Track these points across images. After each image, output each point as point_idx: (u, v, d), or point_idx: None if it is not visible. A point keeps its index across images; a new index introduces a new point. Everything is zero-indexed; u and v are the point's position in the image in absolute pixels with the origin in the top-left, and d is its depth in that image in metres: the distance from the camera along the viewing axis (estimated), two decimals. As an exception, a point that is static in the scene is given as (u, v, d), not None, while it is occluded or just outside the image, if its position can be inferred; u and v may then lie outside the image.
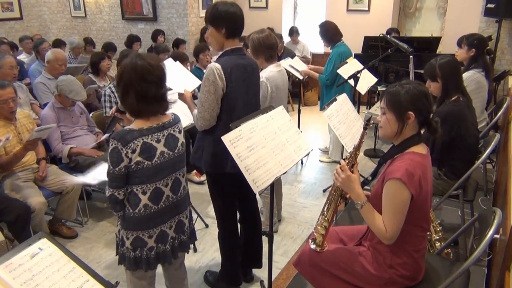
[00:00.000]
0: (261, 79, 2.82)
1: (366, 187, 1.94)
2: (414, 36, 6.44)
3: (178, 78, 2.62)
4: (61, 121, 3.48)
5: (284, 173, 1.98)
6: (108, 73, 4.79)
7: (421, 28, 6.62)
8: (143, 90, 1.76)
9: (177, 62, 2.82)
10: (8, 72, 3.76)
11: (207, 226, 3.39)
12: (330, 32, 4.17)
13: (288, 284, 2.70)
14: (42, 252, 1.25)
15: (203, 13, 6.85)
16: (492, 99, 4.90)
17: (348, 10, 6.63)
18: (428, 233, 2.22)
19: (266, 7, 7.39)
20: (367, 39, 5.49)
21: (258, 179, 1.84)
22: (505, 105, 3.73)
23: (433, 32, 6.29)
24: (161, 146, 1.84)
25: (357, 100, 4.56)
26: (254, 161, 1.86)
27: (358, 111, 3.67)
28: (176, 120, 1.96)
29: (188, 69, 4.49)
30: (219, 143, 1.86)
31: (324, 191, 4.01)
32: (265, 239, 2.26)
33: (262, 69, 2.96)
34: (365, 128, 1.84)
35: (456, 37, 3.77)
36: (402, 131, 1.78)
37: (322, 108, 3.71)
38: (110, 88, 3.85)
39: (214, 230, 3.26)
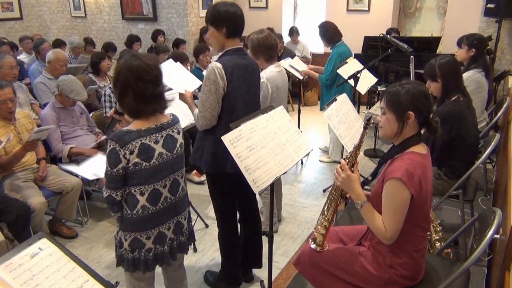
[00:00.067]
0: (261, 80, 2.82)
1: (366, 187, 1.94)
2: (414, 36, 6.44)
3: (179, 79, 2.62)
4: (61, 121, 3.49)
5: (284, 173, 1.98)
6: (108, 73, 4.79)
7: (421, 28, 6.62)
8: (141, 90, 1.75)
9: (178, 63, 2.82)
10: (8, 72, 3.76)
11: (207, 226, 3.39)
12: (329, 33, 4.17)
13: (288, 284, 2.70)
14: (42, 252, 1.25)
15: (203, 13, 6.86)
16: (492, 99, 4.90)
17: (348, 10, 6.63)
18: (428, 233, 2.23)
19: (266, 7, 7.39)
20: (367, 39, 5.49)
21: (258, 179, 1.84)
22: (505, 105, 3.73)
23: (433, 32, 6.29)
24: (159, 147, 1.83)
25: (357, 100, 4.56)
26: (254, 161, 1.86)
27: (358, 111, 3.67)
28: (175, 120, 1.95)
29: (188, 69, 4.49)
30: (220, 143, 1.86)
31: (324, 191, 4.01)
32: (265, 239, 2.26)
33: (262, 70, 2.96)
34: (365, 128, 1.84)
35: (456, 37, 3.77)
36: (402, 131, 1.78)
37: (322, 108, 3.71)
38: (110, 88, 3.85)
39: (214, 230, 3.26)
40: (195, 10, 6.91)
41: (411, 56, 3.56)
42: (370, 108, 5.58)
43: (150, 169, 1.80)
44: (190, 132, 3.90)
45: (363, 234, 2.01)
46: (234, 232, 2.57)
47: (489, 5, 4.90)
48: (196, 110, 2.30)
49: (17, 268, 1.18)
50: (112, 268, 2.86)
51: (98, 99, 4.51)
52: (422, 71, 2.93)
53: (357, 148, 1.86)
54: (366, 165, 4.58)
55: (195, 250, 3.08)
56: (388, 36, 4.29)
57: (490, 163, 4.15)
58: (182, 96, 2.46)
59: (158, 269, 2.05)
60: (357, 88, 3.75)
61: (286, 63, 4.26)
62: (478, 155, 2.85)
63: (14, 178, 3.04)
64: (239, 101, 2.26)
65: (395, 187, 1.68)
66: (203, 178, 4.09)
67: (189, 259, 2.95)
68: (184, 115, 2.83)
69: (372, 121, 1.86)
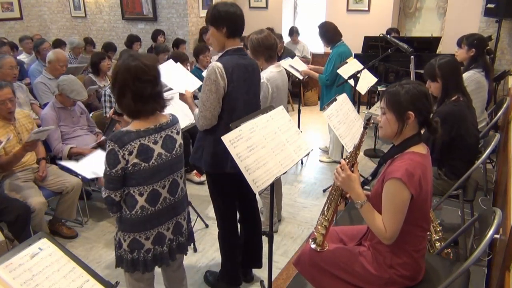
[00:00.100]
0: (261, 80, 2.82)
1: (366, 187, 1.94)
2: (414, 36, 6.44)
3: (179, 79, 2.62)
4: (62, 121, 3.49)
5: (284, 173, 1.98)
6: (108, 73, 4.79)
7: (421, 28, 6.62)
8: (139, 90, 1.75)
9: (178, 63, 2.82)
10: (8, 72, 3.76)
11: (207, 226, 3.39)
12: (329, 33, 4.17)
13: (288, 284, 2.70)
14: (42, 252, 1.25)
15: (203, 13, 6.86)
16: (492, 99, 4.90)
17: (348, 10, 6.63)
18: (428, 233, 2.23)
19: (266, 7, 7.39)
20: (367, 39, 5.49)
21: (258, 179, 1.84)
22: (505, 105, 3.73)
23: (433, 32, 6.29)
24: (158, 148, 1.82)
25: (357, 100, 4.57)
26: (254, 161, 1.86)
27: (358, 111, 3.67)
28: (174, 121, 1.95)
29: (188, 69, 4.49)
30: (220, 142, 1.86)
31: (324, 191, 4.01)
32: (265, 239, 2.26)
33: (262, 70, 2.96)
34: (365, 128, 1.84)
35: (456, 37, 3.77)
36: (402, 131, 1.78)
37: (322, 108, 3.71)
38: (110, 88, 3.85)
39: (214, 230, 3.26)
40: (195, 10, 6.92)
41: (411, 56, 3.56)
42: (370, 108, 5.58)
43: (149, 170, 1.80)
44: (190, 132, 3.90)
45: (363, 234, 2.01)
46: (234, 232, 2.57)
47: (489, 5, 4.90)
48: (197, 110, 2.30)
49: (17, 268, 1.18)
50: (112, 268, 2.86)
51: (98, 99, 4.51)
52: (422, 71, 2.93)
53: (357, 148, 1.86)
54: (366, 165, 4.58)
55: (195, 250, 3.08)
56: (388, 36, 4.29)
57: (490, 163, 4.15)
58: (182, 96, 2.46)
59: (158, 269, 2.05)
60: (357, 88, 3.75)
61: (286, 63, 4.26)
62: (478, 155, 2.85)
63: (14, 178, 3.04)
64: (240, 101, 2.26)
65: (395, 187, 1.68)
66: (203, 178, 4.09)
67: (189, 259, 2.95)
68: (184, 115, 2.83)
69: (372, 121, 1.86)
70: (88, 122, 3.76)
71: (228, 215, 2.51)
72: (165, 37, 6.82)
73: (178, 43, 6.20)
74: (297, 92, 6.22)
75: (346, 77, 3.61)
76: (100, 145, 3.62)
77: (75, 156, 3.43)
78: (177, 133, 1.95)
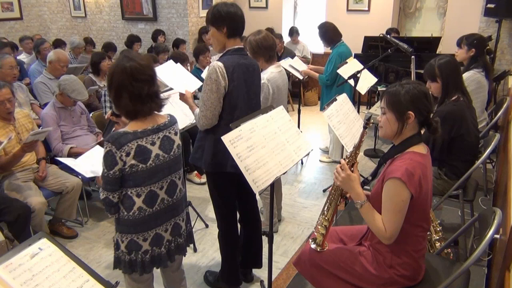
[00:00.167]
0: (262, 81, 2.82)
1: (366, 186, 1.94)
2: (414, 36, 6.44)
3: (179, 79, 2.62)
4: (62, 120, 3.49)
5: (284, 173, 1.98)
6: (108, 73, 4.79)
7: (421, 28, 6.62)
8: (137, 90, 1.74)
9: (178, 64, 2.82)
10: (8, 72, 3.75)
11: (207, 226, 3.39)
12: (329, 33, 4.17)
13: (288, 284, 2.70)
14: (42, 252, 1.25)
15: (203, 13, 6.86)
16: (492, 99, 4.91)
17: (348, 10, 6.63)
18: (428, 233, 2.23)
19: (266, 7, 7.39)
20: (367, 39, 5.49)
21: (258, 179, 1.84)
22: (505, 105, 3.74)
23: (433, 32, 6.29)
24: (156, 149, 1.82)
25: (357, 100, 4.56)
26: (254, 161, 1.86)
27: (358, 111, 3.67)
28: (172, 121, 1.93)
29: (188, 69, 4.49)
30: (220, 142, 1.86)
31: (324, 191, 4.01)
32: (265, 239, 2.26)
33: (262, 71, 2.96)
34: (365, 127, 1.84)
35: (456, 37, 3.77)
36: (402, 131, 1.78)
37: (322, 108, 3.71)
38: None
39: (214, 230, 3.26)
40: (195, 10, 6.92)
41: (412, 56, 3.56)
42: (370, 108, 5.58)
43: (147, 171, 1.79)
44: (190, 132, 3.90)
45: (363, 234, 2.01)
46: (234, 232, 2.57)
47: (489, 5, 4.90)
48: (197, 110, 2.30)
49: (17, 268, 1.18)
50: (112, 268, 2.86)
51: (98, 99, 4.51)
52: (422, 71, 2.93)
53: (357, 148, 1.86)
54: (366, 165, 4.58)
55: (195, 250, 3.08)
56: (388, 36, 4.29)
57: (490, 163, 4.15)
58: (182, 96, 2.46)
59: (157, 270, 2.05)
60: (357, 88, 3.75)
61: (286, 63, 4.26)
62: (478, 155, 2.85)
63: (14, 178, 3.04)
64: (240, 100, 2.26)
65: (395, 187, 1.68)
66: (204, 179, 4.08)
67: (189, 259, 2.96)
68: (184, 115, 2.83)
69: (372, 120, 1.86)
70: (88, 122, 3.76)
71: (228, 215, 2.51)
72: (165, 37, 6.83)
73: (178, 43, 6.21)
74: (297, 92, 6.22)
75: (346, 77, 3.61)
76: (100, 145, 3.62)
77: (75, 156, 3.43)
78: (175, 134, 1.93)
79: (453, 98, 2.73)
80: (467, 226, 2.19)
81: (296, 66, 4.39)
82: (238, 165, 1.82)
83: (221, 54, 2.31)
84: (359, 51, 5.49)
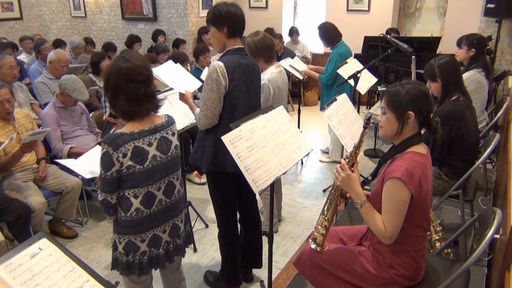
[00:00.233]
0: (262, 82, 2.81)
1: (366, 186, 1.94)
2: (414, 36, 6.44)
3: (179, 79, 2.62)
4: (62, 120, 3.49)
5: (284, 173, 1.98)
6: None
7: (421, 28, 6.62)
8: (133, 91, 1.73)
9: (178, 64, 2.82)
10: (8, 72, 3.75)
11: (207, 226, 3.39)
12: (329, 33, 4.17)
13: (288, 284, 2.70)
14: (42, 252, 1.25)
15: (203, 13, 6.86)
16: (492, 99, 4.91)
17: (348, 10, 6.64)
18: (428, 233, 2.23)
19: (266, 7, 7.40)
20: (367, 39, 5.49)
21: (258, 179, 1.84)
22: (505, 105, 3.74)
23: (433, 32, 6.29)
24: (153, 150, 1.80)
25: (357, 100, 4.56)
26: (254, 161, 1.86)
27: (358, 111, 3.67)
28: (169, 122, 1.92)
29: (188, 69, 4.49)
30: (220, 142, 1.86)
31: (324, 191, 4.01)
32: (265, 239, 2.26)
33: (262, 71, 2.95)
34: (365, 127, 1.84)
35: (456, 37, 3.77)
36: (402, 131, 1.78)
37: (322, 108, 3.71)
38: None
39: (214, 230, 3.26)
40: (195, 10, 6.92)
41: (413, 56, 3.56)
42: (370, 108, 5.58)
43: (144, 172, 1.78)
44: (190, 132, 3.90)
45: (363, 234, 2.01)
46: (234, 232, 2.57)
47: (489, 5, 4.90)
48: (198, 110, 2.30)
49: (17, 268, 1.18)
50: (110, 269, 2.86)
51: (98, 99, 4.51)
52: (422, 71, 2.93)
53: (357, 147, 1.86)
54: (366, 165, 4.58)
55: (195, 250, 3.08)
56: (388, 36, 4.29)
57: (490, 163, 4.15)
58: (182, 97, 2.46)
59: (157, 270, 2.04)
60: (357, 88, 3.75)
61: (286, 63, 4.26)
62: (478, 155, 2.85)
63: (14, 178, 3.04)
64: (241, 100, 2.26)
65: (395, 187, 1.68)
66: (204, 179, 4.08)
67: (189, 259, 2.96)
68: (184, 115, 2.83)
69: (372, 120, 1.86)
70: (88, 122, 3.76)
71: (228, 215, 2.51)
72: (165, 37, 6.83)
73: (178, 43, 6.21)
74: (297, 92, 6.22)
75: (346, 77, 3.61)
76: (100, 146, 3.62)
77: (75, 156, 3.43)
78: (173, 135, 1.92)
79: (453, 98, 2.73)
80: (467, 226, 2.19)
81: (296, 66, 4.39)
82: (238, 165, 1.82)
83: (221, 54, 2.31)
84: (359, 51, 5.49)
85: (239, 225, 2.62)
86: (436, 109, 2.73)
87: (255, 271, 2.77)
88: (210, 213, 3.57)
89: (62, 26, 8.30)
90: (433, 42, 5.44)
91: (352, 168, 1.83)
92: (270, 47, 2.97)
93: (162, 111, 1.98)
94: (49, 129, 3.20)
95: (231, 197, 2.48)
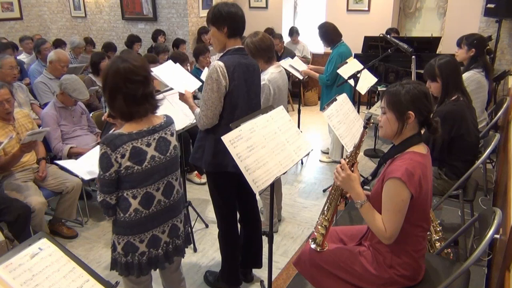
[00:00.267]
0: (263, 82, 2.81)
1: (366, 186, 1.94)
2: (414, 36, 6.44)
3: (179, 79, 2.62)
4: (62, 120, 3.49)
5: (284, 173, 1.98)
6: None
7: (421, 28, 6.62)
8: (131, 92, 1.72)
9: (177, 64, 2.82)
10: (8, 72, 3.75)
11: (207, 226, 3.39)
12: (329, 33, 4.17)
13: (288, 284, 2.70)
14: (42, 252, 1.25)
15: (203, 13, 6.87)
16: (492, 99, 4.90)
17: (348, 10, 6.63)
18: (428, 233, 2.23)
19: (266, 7, 7.40)
20: (367, 39, 5.49)
21: (258, 179, 1.84)
22: (505, 105, 3.74)
23: (433, 32, 6.29)
24: (151, 150, 1.80)
25: (357, 100, 4.56)
26: (254, 161, 1.86)
27: (358, 111, 3.67)
28: (168, 122, 1.91)
29: (188, 69, 4.49)
30: (221, 142, 1.86)
31: (324, 191, 4.01)
32: (265, 239, 2.26)
33: (262, 71, 2.95)
34: (365, 127, 1.84)
35: (456, 37, 3.77)
36: (402, 131, 1.78)
37: (322, 108, 3.71)
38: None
39: (214, 230, 3.26)
40: (195, 10, 6.92)
41: (413, 56, 3.56)
42: (370, 108, 5.58)
43: (142, 173, 1.77)
44: (190, 132, 3.90)
45: (363, 234, 2.01)
46: (234, 232, 2.57)
47: (489, 5, 4.90)
48: (198, 110, 2.30)
49: (17, 268, 1.18)
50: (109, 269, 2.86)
51: (98, 99, 4.51)
52: (422, 71, 2.93)
53: (357, 147, 1.86)
54: (366, 165, 4.58)
55: (195, 250, 3.08)
56: (388, 36, 4.29)
57: (490, 163, 4.15)
58: (182, 96, 2.46)
59: (157, 271, 2.04)
60: (357, 88, 3.75)
61: (286, 63, 4.26)
62: (478, 155, 2.86)
63: (14, 178, 3.04)
64: (241, 100, 2.26)
65: (395, 187, 1.68)
66: (204, 179, 4.08)
67: (189, 259, 2.96)
68: (184, 115, 2.83)
69: (372, 120, 1.86)
70: (88, 122, 3.76)
71: (228, 215, 2.51)
72: (165, 37, 6.83)
73: (178, 43, 6.21)
74: (297, 92, 6.22)
75: (346, 77, 3.61)
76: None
77: (75, 156, 3.43)
78: (172, 135, 1.91)
79: (453, 98, 2.73)
80: (467, 226, 2.19)
81: (296, 66, 4.39)
82: (238, 165, 1.82)
83: (221, 54, 2.32)
84: (359, 51, 5.49)
85: (239, 225, 2.62)
86: (436, 109, 2.73)
87: (255, 271, 2.77)
88: (210, 213, 3.57)
89: (62, 26, 8.30)
90: (433, 42, 5.44)
91: (352, 168, 1.83)
92: (269, 48, 2.97)
93: (162, 111, 1.98)
94: (48, 129, 3.19)
95: (231, 197, 2.48)
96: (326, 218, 1.90)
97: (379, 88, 5.16)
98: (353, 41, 5.07)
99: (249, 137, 1.90)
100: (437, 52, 5.50)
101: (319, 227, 1.92)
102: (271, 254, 2.17)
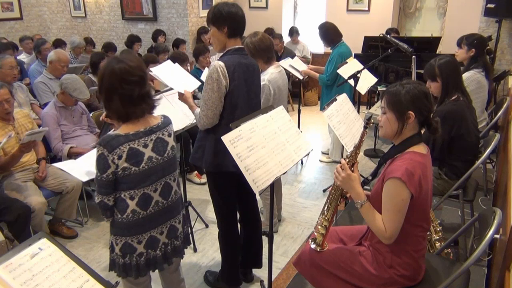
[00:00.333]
0: (263, 82, 2.81)
1: (366, 186, 1.94)
2: (414, 36, 6.44)
3: (178, 79, 2.62)
4: (62, 120, 3.49)
5: (284, 173, 1.98)
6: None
7: (421, 28, 6.62)
8: (127, 92, 1.72)
9: (176, 63, 2.82)
10: (8, 72, 3.75)
11: (207, 226, 3.39)
12: (330, 33, 4.17)
13: (288, 284, 2.70)
14: (42, 252, 1.25)
15: (203, 13, 6.87)
16: (492, 99, 4.90)
17: (348, 10, 6.64)
18: (428, 233, 2.23)
19: (266, 7, 7.40)
20: (367, 39, 5.49)
21: (258, 179, 1.84)
22: (505, 105, 3.74)
23: (433, 32, 6.29)
24: (148, 151, 1.79)
25: (357, 100, 4.56)
26: (254, 161, 1.86)
27: (358, 111, 3.67)
28: (165, 123, 1.90)
29: (188, 69, 4.49)
30: (221, 142, 1.86)
31: (324, 191, 4.01)
32: (265, 239, 2.26)
33: (261, 72, 2.95)
34: (365, 127, 1.84)
35: (456, 37, 3.77)
36: (402, 131, 1.78)
37: (322, 108, 3.71)
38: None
39: (214, 230, 3.26)
40: (195, 10, 6.92)
41: (413, 56, 3.56)
42: (370, 108, 5.59)
43: (140, 174, 1.77)
44: (190, 132, 3.90)
45: (363, 234, 2.01)
46: (234, 232, 2.57)
47: (489, 5, 4.90)
48: (198, 110, 2.30)
49: (17, 268, 1.18)
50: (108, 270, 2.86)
51: (98, 99, 4.51)
52: (421, 71, 2.93)
53: (358, 147, 1.86)
54: (366, 165, 4.58)
55: (195, 250, 3.08)
56: (388, 36, 4.29)
57: (490, 163, 4.15)
58: (182, 96, 2.45)
59: (156, 271, 2.04)
60: (357, 88, 3.75)
61: (286, 63, 4.26)
62: (478, 155, 2.86)
63: (14, 178, 3.04)
64: (241, 100, 2.26)
65: (395, 187, 1.68)
66: (204, 179, 4.08)
67: (189, 259, 2.96)
68: (184, 115, 2.83)
69: (372, 120, 1.86)
70: (88, 123, 3.76)
71: (228, 215, 2.51)
72: (165, 37, 6.83)
73: (178, 43, 6.21)
74: (297, 92, 6.22)
75: (346, 77, 3.61)
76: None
77: (75, 156, 3.43)
78: (169, 136, 1.90)
79: (453, 98, 2.73)
80: (467, 226, 2.19)
81: (296, 66, 4.39)
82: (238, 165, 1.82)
83: (221, 54, 2.32)
84: (359, 51, 5.49)
85: (239, 225, 2.62)
86: (436, 109, 2.73)
87: (255, 271, 2.77)
88: (210, 213, 3.57)
89: (62, 26, 8.30)
90: (433, 42, 5.44)
91: (352, 168, 1.83)
92: (269, 48, 2.97)
93: (162, 111, 1.98)
94: (46, 128, 3.19)
95: (231, 197, 2.48)
96: (326, 218, 1.90)
97: (379, 88, 5.16)
98: (353, 41, 5.07)
99: (249, 137, 1.90)
100: (437, 52, 5.50)
101: (319, 227, 1.92)
102: (271, 254, 2.17)
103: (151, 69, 2.50)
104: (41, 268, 1.22)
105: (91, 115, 3.90)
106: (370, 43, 5.46)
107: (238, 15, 2.21)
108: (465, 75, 3.38)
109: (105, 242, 3.24)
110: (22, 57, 6.04)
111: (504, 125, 4.00)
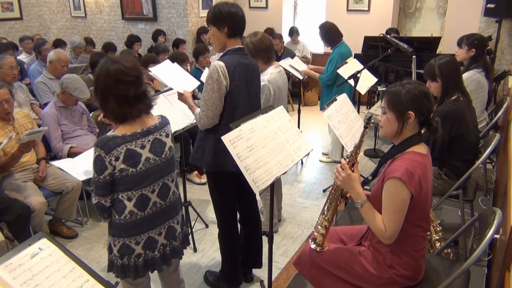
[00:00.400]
0: (262, 83, 2.81)
1: (366, 186, 1.94)
2: (414, 36, 6.44)
3: (177, 79, 2.62)
4: (63, 120, 3.49)
5: (284, 173, 1.98)
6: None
7: (421, 28, 6.62)
8: (123, 93, 1.71)
9: (175, 63, 2.82)
10: (8, 72, 3.75)
11: (207, 226, 3.39)
12: (330, 33, 4.17)
13: (288, 284, 2.70)
14: (42, 252, 1.25)
15: (203, 13, 6.87)
16: (492, 99, 4.91)
17: (348, 10, 6.64)
18: (428, 233, 2.23)
19: (266, 7, 7.40)
20: (367, 39, 5.49)
21: (258, 179, 1.84)
22: (505, 105, 3.74)
23: (433, 32, 6.29)
24: (146, 152, 1.79)
25: (357, 100, 4.56)
26: (254, 161, 1.86)
27: (358, 111, 3.67)
28: (163, 123, 1.90)
29: (188, 69, 4.49)
30: (221, 142, 1.86)
31: (324, 191, 4.01)
32: (265, 239, 2.26)
33: (261, 72, 2.95)
34: (365, 127, 1.84)
35: (456, 37, 3.77)
36: (402, 131, 1.78)
37: (322, 108, 3.70)
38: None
39: (214, 230, 3.26)
40: (195, 10, 6.92)
41: (413, 56, 3.56)
42: (370, 108, 5.59)
43: (137, 175, 1.76)
44: (190, 132, 3.90)
45: (363, 234, 2.01)
46: (234, 232, 2.57)
47: (489, 5, 4.89)
48: (198, 110, 2.30)
49: (17, 268, 1.18)
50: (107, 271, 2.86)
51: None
52: (421, 71, 2.93)
53: (358, 147, 1.86)
54: (366, 165, 4.58)
55: (195, 250, 3.08)
56: (388, 36, 4.29)
57: (490, 163, 4.15)
58: (181, 96, 2.45)
59: (156, 271, 2.03)
60: (357, 88, 3.74)
61: (286, 63, 4.26)
62: (478, 155, 2.86)
63: (14, 178, 3.04)
64: (241, 99, 2.26)
65: (395, 187, 1.68)
66: (204, 179, 4.08)
67: (189, 259, 2.96)
68: (184, 115, 2.83)
69: (372, 120, 1.86)
70: (88, 123, 3.76)
71: (228, 215, 2.51)
72: (165, 37, 6.83)
73: (178, 43, 6.21)
74: (297, 92, 6.22)
75: (346, 77, 3.61)
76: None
77: (75, 155, 3.43)
78: (167, 136, 1.89)
79: (453, 98, 2.73)
80: (467, 226, 2.19)
81: (296, 66, 4.39)
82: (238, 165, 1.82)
83: (221, 54, 2.32)
84: (359, 51, 5.49)
85: (239, 225, 2.62)
86: (436, 109, 2.73)
87: (255, 271, 2.77)
88: (210, 213, 3.57)
89: (62, 26, 8.30)
90: (433, 42, 5.44)
91: (352, 168, 1.83)
92: (268, 48, 2.97)
93: (162, 111, 1.97)
94: (46, 128, 3.19)
95: (231, 197, 2.48)
96: (326, 218, 1.90)
97: (379, 88, 5.16)
98: (353, 41, 5.07)
99: (249, 137, 1.90)
100: (437, 52, 5.50)
101: (319, 227, 1.92)
102: (271, 254, 2.17)
103: (150, 69, 2.50)
104: (41, 268, 1.22)
105: (91, 115, 3.90)
106: (370, 43, 5.46)
107: (238, 15, 2.22)
108: (465, 75, 3.38)
109: (105, 242, 3.24)
110: (22, 57, 6.04)
111: (504, 125, 4.00)
